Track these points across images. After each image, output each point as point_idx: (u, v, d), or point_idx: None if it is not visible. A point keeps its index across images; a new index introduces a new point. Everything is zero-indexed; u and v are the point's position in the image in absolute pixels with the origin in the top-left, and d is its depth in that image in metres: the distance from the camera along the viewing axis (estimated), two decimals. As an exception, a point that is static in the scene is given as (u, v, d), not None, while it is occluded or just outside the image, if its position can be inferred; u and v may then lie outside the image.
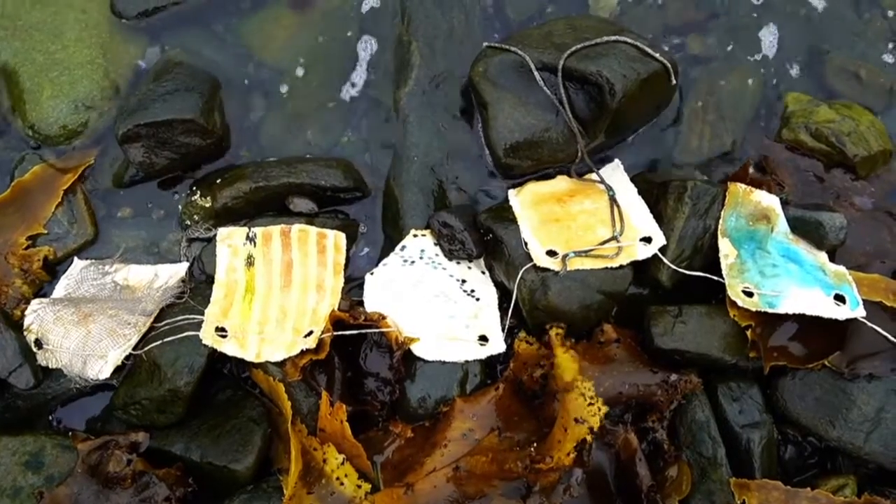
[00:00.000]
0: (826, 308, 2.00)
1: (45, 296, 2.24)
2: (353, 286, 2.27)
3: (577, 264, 2.09)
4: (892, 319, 2.06)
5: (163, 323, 2.10)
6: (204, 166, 2.39)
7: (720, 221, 2.15)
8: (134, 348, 2.06)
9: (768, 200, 2.21)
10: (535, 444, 1.99)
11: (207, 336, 2.06)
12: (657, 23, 2.53)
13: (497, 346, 2.14)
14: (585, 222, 2.20)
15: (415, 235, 2.29)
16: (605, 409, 1.93)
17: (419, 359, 2.12)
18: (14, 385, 2.05)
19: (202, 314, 2.11)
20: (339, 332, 2.06)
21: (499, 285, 2.24)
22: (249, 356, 2.07)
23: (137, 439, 2.00)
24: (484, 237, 2.25)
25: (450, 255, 2.25)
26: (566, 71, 2.18)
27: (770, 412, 2.05)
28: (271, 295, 2.18)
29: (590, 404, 1.95)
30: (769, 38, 2.52)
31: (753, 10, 2.54)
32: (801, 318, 2.02)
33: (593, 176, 2.28)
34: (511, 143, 2.24)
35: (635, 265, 2.14)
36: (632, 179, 2.28)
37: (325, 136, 2.43)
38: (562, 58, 2.18)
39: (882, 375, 2.00)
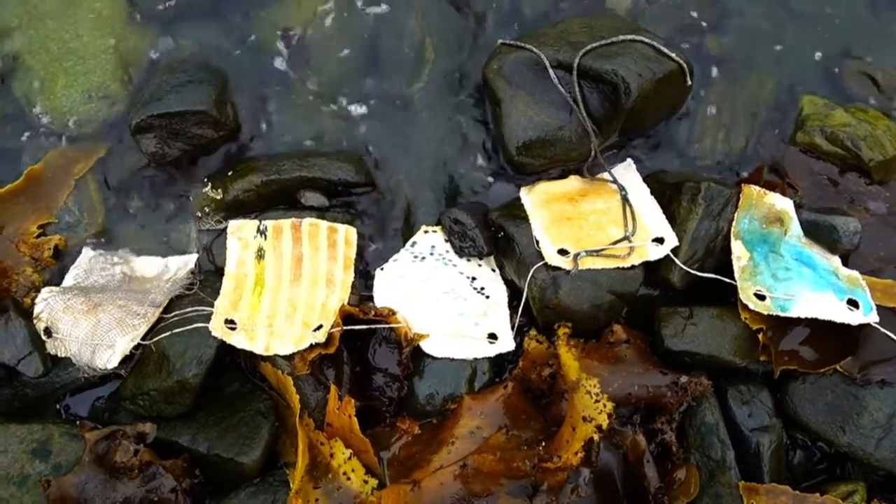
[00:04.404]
0: (839, 313, 1.99)
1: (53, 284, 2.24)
2: (363, 281, 2.27)
3: (588, 264, 2.09)
4: (905, 325, 2.05)
5: (172, 314, 2.10)
6: (216, 158, 2.39)
7: (733, 223, 2.13)
8: (143, 339, 2.06)
9: (782, 203, 2.20)
10: (543, 444, 1.98)
11: (217, 328, 2.06)
12: (673, 23, 2.51)
13: (506, 344, 2.14)
14: (597, 222, 2.19)
15: (425, 232, 2.29)
16: (610, 405, 1.92)
17: (428, 355, 2.12)
18: (23, 373, 2.06)
19: (212, 306, 2.11)
20: (349, 327, 2.06)
21: (509, 283, 2.23)
22: (258, 349, 2.07)
23: (145, 430, 2.00)
24: (495, 235, 2.24)
25: (460, 252, 2.24)
26: (581, 69, 2.17)
27: (780, 416, 2.04)
28: (281, 288, 2.18)
29: (596, 401, 1.94)
30: (785, 40, 2.50)
31: (770, 12, 2.53)
32: (813, 323, 2.01)
33: (606, 175, 2.27)
34: (524, 140, 2.23)
35: (647, 266, 2.13)
36: (645, 179, 2.27)
37: (338, 131, 2.42)
38: (577, 56, 2.17)
39: (894, 382, 1.99)
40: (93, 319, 2.07)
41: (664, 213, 2.17)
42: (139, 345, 2.06)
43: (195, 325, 2.06)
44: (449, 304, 2.18)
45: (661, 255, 2.10)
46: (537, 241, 2.12)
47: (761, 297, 2.03)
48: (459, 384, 2.11)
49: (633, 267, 2.10)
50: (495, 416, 2.06)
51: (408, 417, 2.10)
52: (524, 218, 2.19)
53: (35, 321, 2.10)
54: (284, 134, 2.42)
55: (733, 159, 2.40)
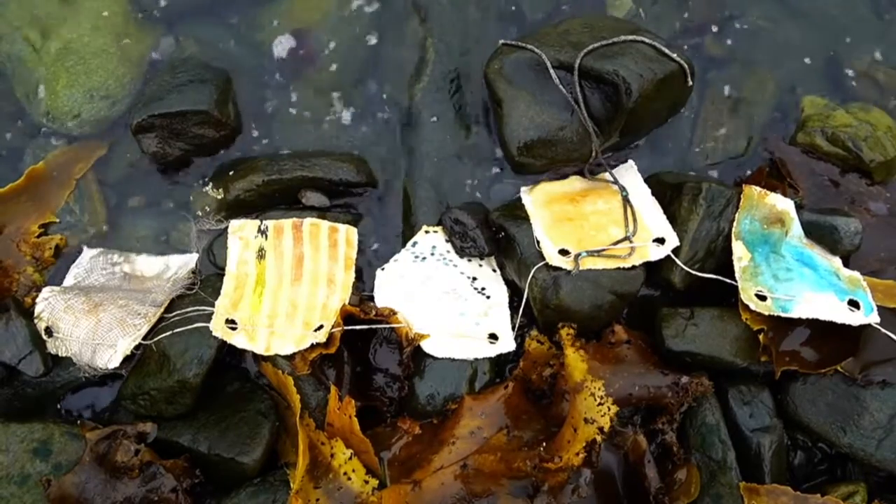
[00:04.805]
0: (840, 313, 1.99)
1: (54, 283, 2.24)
2: (364, 281, 2.27)
3: (589, 264, 2.08)
4: (906, 326, 2.05)
5: (173, 313, 2.10)
6: (217, 158, 2.39)
7: (734, 224, 2.13)
8: (144, 338, 2.06)
9: (783, 204, 2.20)
10: (543, 444, 1.98)
11: (217, 328, 2.06)
12: (674, 23, 2.51)
13: (507, 344, 2.14)
14: (598, 222, 2.19)
15: (426, 232, 2.29)
16: (615, 408, 1.92)
17: (428, 355, 2.11)
18: (24, 372, 2.06)
19: (212, 306, 2.11)
20: (350, 327, 2.06)
21: (510, 283, 2.23)
22: (259, 349, 2.07)
23: (145, 430, 2.00)
24: (496, 235, 2.24)
25: (461, 252, 2.24)
26: (582, 70, 2.17)
27: (781, 417, 2.04)
28: (282, 288, 2.18)
29: (600, 404, 1.95)
30: (786, 40, 2.50)
31: (771, 12, 2.53)
32: (814, 323, 2.01)
33: (606, 176, 2.27)
34: (525, 141, 2.23)
35: (648, 266, 2.13)
36: (645, 180, 2.27)
37: (339, 130, 2.42)
38: (578, 56, 2.17)
39: (895, 382, 1.99)
40: (94, 319, 2.07)
41: (665, 213, 2.17)
42: (140, 345, 2.06)
43: (196, 325, 2.06)
44: (450, 305, 2.18)
45: (662, 256, 2.10)
46: (538, 242, 2.12)
47: (762, 298, 2.03)
48: (460, 384, 2.11)
49: (634, 267, 2.10)
50: (496, 417, 2.06)
51: (408, 417, 2.10)
52: (525, 218, 2.19)
53: (36, 320, 2.10)
54: (285, 133, 2.42)
55: (734, 160, 2.40)
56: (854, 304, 2.02)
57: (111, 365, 2.04)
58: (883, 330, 1.99)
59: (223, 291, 2.15)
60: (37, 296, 2.14)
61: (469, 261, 2.26)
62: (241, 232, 2.25)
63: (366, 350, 2.14)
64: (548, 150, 2.24)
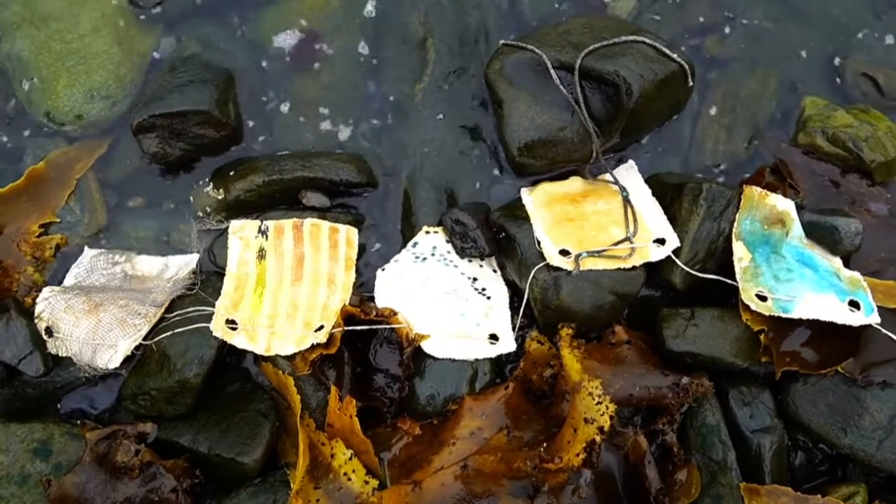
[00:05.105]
0: (840, 314, 1.99)
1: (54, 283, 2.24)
2: (364, 281, 2.27)
3: (589, 264, 2.08)
4: (906, 327, 2.05)
5: (173, 314, 2.10)
6: (217, 158, 2.39)
7: (735, 224, 2.13)
8: (144, 338, 2.06)
9: (783, 204, 2.20)
10: (544, 444, 1.98)
11: (218, 328, 2.06)
12: (675, 24, 2.51)
13: (507, 344, 2.14)
14: (599, 223, 2.19)
15: (427, 232, 2.29)
16: (613, 407, 1.92)
17: (429, 356, 2.12)
18: (24, 372, 2.06)
19: (213, 306, 2.11)
20: (350, 327, 2.06)
21: (510, 284, 2.23)
22: (259, 349, 2.07)
23: (145, 430, 2.01)
24: (496, 236, 2.24)
25: (461, 252, 2.24)
26: (583, 70, 2.17)
27: (781, 417, 2.04)
28: (282, 289, 2.18)
29: (598, 403, 1.94)
30: (787, 40, 2.50)
31: (772, 13, 2.53)
32: (814, 324, 2.01)
33: (607, 176, 2.27)
34: (525, 141, 2.23)
35: (648, 267, 2.13)
36: (646, 180, 2.27)
37: (339, 131, 2.42)
38: (579, 57, 2.17)
39: (895, 383, 1.99)
40: (94, 319, 2.07)
41: (665, 214, 2.17)
42: (140, 345, 2.06)
43: (196, 326, 2.06)
44: (450, 305, 2.18)
45: (663, 256, 2.10)
46: (539, 242, 2.12)
47: (763, 299, 2.03)
48: (460, 385, 2.11)
49: (634, 268, 2.10)
50: (496, 417, 2.06)
51: (409, 418, 2.10)
52: (525, 218, 2.19)
53: (36, 320, 2.10)
54: (286, 134, 2.42)
55: (735, 160, 2.40)
56: (854, 304, 2.02)
57: (111, 365, 2.04)
58: (883, 330, 1.99)
59: (223, 292, 2.15)
60: (37, 296, 2.14)
61: (469, 261, 2.26)
62: (242, 232, 2.25)
63: (366, 350, 2.14)
64: (548, 151, 2.24)
